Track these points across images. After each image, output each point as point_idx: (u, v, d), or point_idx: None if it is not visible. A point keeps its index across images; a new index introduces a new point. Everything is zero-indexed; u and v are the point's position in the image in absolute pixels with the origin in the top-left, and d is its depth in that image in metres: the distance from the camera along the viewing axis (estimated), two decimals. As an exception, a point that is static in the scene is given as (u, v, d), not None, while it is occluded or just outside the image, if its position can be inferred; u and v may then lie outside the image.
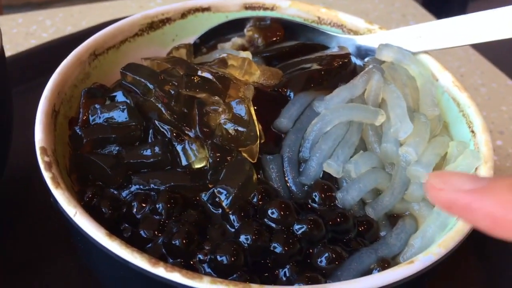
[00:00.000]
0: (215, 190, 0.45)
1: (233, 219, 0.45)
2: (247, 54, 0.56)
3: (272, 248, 0.43)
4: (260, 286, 0.37)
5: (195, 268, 0.43)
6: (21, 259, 0.58)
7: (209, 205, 0.47)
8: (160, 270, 0.37)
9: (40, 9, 1.00)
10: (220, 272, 0.42)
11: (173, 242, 0.43)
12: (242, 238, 0.43)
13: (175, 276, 0.37)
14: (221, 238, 0.44)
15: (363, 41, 0.61)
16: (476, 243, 0.57)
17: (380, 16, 1.05)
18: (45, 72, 0.78)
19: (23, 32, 0.94)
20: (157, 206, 0.45)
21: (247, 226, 0.44)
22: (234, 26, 0.66)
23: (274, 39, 0.65)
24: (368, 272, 0.43)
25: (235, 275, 0.42)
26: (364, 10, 1.07)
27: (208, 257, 0.43)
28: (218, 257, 0.42)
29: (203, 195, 0.47)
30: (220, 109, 0.49)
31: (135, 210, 0.46)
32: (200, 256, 0.43)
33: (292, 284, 0.42)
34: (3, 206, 0.62)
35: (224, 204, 0.45)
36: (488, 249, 0.61)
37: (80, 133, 0.49)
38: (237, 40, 0.65)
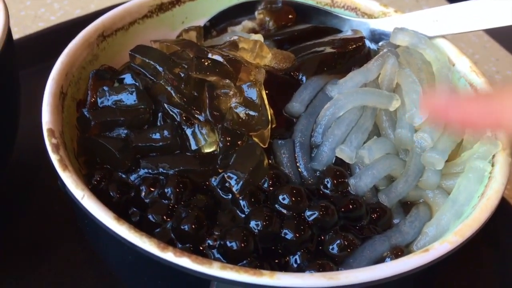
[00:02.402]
0: (225, 175, 0.45)
1: (243, 205, 0.44)
2: (258, 37, 0.55)
3: (283, 235, 0.42)
4: (271, 272, 0.36)
5: (204, 254, 0.42)
6: (28, 243, 0.58)
7: (218, 190, 0.46)
8: (169, 255, 0.37)
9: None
10: (230, 258, 0.41)
11: (182, 227, 0.42)
12: (253, 224, 0.43)
13: (184, 261, 0.36)
14: (231, 224, 0.44)
15: (377, 24, 0.60)
16: (486, 231, 0.56)
17: (392, 0, 1.03)
18: (53, 55, 0.77)
19: (31, 15, 0.93)
20: (166, 190, 0.44)
21: (258, 212, 0.43)
22: (244, 9, 0.64)
23: (286, 22, 0.64)
24: (380, 260, 0.42)
25: (245, 261, 0.41)
26: (377, -5, 1.06)
27: (218, 242, 0.42)
28: (227, 242, 0.41)
29: (213, 179, 0.46)
30: (231, 93, 0.48)
31: (143, 194, 0.45)
32: (209, 241, 0.42)
33: (303, 271, 0.41)
34: (11, 189, 0.61)
35: (234, 189, 0.44)
36: (500, 239, 0.59)
37: (88, 115, 0.48)
38: (247, 23, 0.64)
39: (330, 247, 0.42)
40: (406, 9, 1.00)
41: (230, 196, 0.45)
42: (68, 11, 0.95)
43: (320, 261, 0.41)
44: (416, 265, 0.37)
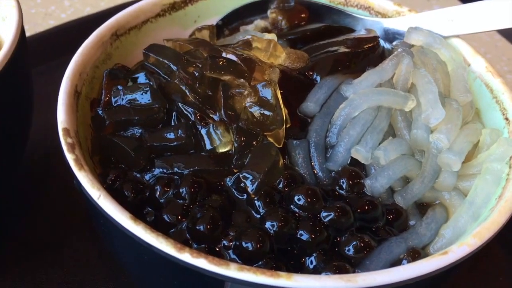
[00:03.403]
0: (241, 175, 0.44)
1: (259, 205, 0.44)
2: (272, 36, 0.55)
3: (298, 236, 0.42)
4: (288, 274, 0.36)
5: (219, 254, 0.42)
6: (39, 241, 0.58)
7: (233, 190, 0.46)
8: (186, 256, 0.37)
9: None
10: (245, 259, 0.41)
11: (197, 227, 0.42)
12: (268, 224, 0.42)
13: (201, 262, 0.36)
14: (246, 224, 0.43)
15: (391, 24, 0.60)
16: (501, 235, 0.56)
17: (403, 0, 1.03)
18: (64, 52, 0.77)
19: (41, 13, 0.93)
20: (181, 190, 0.44)
21: (273, 213, 0.43)
22: (257, 8, 0.64)
23: (298, 21, 0.63)
24: (397, 262, 0.42)
25: (260, 262, 0.41)
26: (387, -6, 1.05)
27: (233, 243, 0.42)
28: (243, 243, 0.41)
29: (228, 180, 0.45)
30: (246, 92, 0.48)
31: (158, 194, 0.45)
32: (224, 242, 0.42)
33: (319, 273, 0.41)
34: (23, 187, 0.61)
35: (249, 189, 0.44)
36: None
37: (103, 114, 0.48)
38: (260, 22, 0.64)
39: (346, 248, 0.42)
40: (417, 8, 0.99)
41: (245, 197, 0.45)
42: (78, 8, 0.94)
43: (336, 262, 0.41)
44: (435, 267, 0.37)
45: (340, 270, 0.40)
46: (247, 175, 0.44)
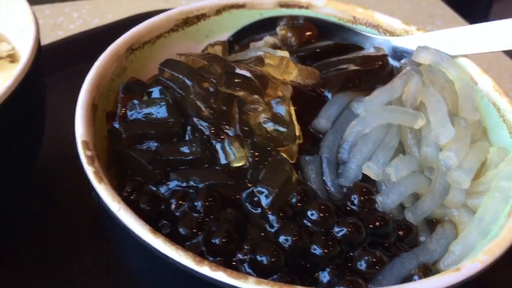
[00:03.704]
0: (255, 190, 0.45)
1: (272, 219, 0.45)
2: (284, 53, 0.56)
3: (312, 250, 0.43)
4: (305, 288, 0.37)
5: (235, 267, 0.42)
6: (48, 250, 0.58)
7: (247, 204, 0.46)
8: (205, 269, 0.37)
9: (67, 1, 1.00)
10: (261, 272, 0.42)
11: (213, 241, 0.43)
12: (282, 238, 0.43)
13: (220, 275, 0.37)
14: (261, 238, 0.44)
15: (399, 42, 0.61)
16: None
17: (406, 17, 1.04)
18: (72, 64, 0.79)
19: (50, 24, 0.94)
20: (196, 203, 0.45)
21: (287, 227, 0.44)
22: (267, 25, 0.65)
23: (308, 38, 0.64)
24: (409, 277, 0.43)
25: (275, 276, 0.42)
26: (390, 10, 1.06)
27: (248, 256, 0.42)
28: (258, 257, 0.42)
29: (243, 194, 0.46)
30: (260, 108, 0.49)
31: (173, 207, 0.46)
32: (240, 255, 0.43)
33: (332, 287, 0.42)
34: (35, 195, 0.62)
35: (263, 203, 0.45)
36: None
37: (119, 128, 0.49)
38: (269, 39, 0.65)
39: (359, 263, 0.43)
40: (420, 25, 1.01)
41: (259, 211, 0.46)
42: (86, 20, 0.96)
43: (349, 277, 0.42)
44: (448, 284, 0.38)
45: (353, 285, 0.41)
46: (262, 190, 0.45)
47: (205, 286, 0.38)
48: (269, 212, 0.45)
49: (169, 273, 0.41)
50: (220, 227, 0.43)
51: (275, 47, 0.64)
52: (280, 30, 0.65)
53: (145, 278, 0.48)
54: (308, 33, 0.64)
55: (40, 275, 0.56)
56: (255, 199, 0.45)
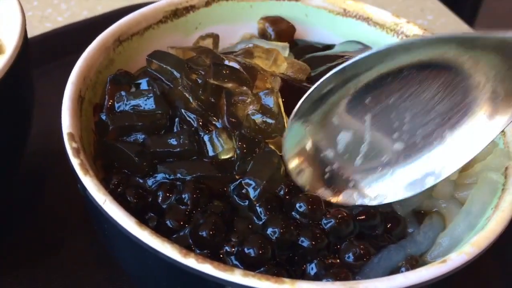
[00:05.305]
0: (243, 182, 0.45)
1: (260, 212, 0.45)
2: (283, 45, 0.56)
3: (299, 242, 0.43)
4: (292, 280, 0.37)
5: (222, 260, 0.42)
6: (38, 244, 0.58)
7: (235, 196, 0.46)
8: (191, 261, 0.37)
9: (56, -7, 0.99)
10: (248, 265, 0.41)
11: (200, 233, 0.42)
12: (270, 231, 0.43)
13: (206, 267, 0.37)
14: (248, 231, 0.44)
15: None
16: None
17: (397, 10, 1.04)
18: (61, 56, 0.78)
19: (38, 16, 0.93)
20: (183, 196, 0.45)
21: (275, 219, 0.44)
22: None
23: (286, 31, 0.64)
24: (396, 269, 0.43)
25: (262, 269, 0.41)
26: (381, 4, 1.06)
27: (236, 249, 0.42)
28: (245, 249, 0.41)
29: (231, 186, 0.46)
30: (248, 100, 0.49)
31: (160, 199, 0.45)
32: (227, 248, 0.43)
33: (320, 280, 0.42)
34: (23, 190, 0.61)
35: (251, 196, 0.44)
36: (507, 252, 0.60)
37: (106, 120, 0.48)
38: (246, 34, 0.64)
39: (346, 255, 0.43)
40: (411, 18, 1.01)
41: (246, 203, 0.46)
42: (75, 12, 0.95)
43: (337, 269, 0.42)
44: (435, 275, 0.38)
45: (340, 276, 0.41)
46: (250, 182, 0.45)
47: (191, 279, 0.38)
48: (257, 204, 0.45)
49: (155, 265, 0.41)
50: (207, 219, 0.43)
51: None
52: (258, 23, 0.64)
53: (132, 270, 0.48)
54: (287, 25, 0.64)
55: (31, 268, 0.55)
56: (243, 191, 0.45)
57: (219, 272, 0.37)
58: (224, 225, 0.43)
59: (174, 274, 0.40)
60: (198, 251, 0.43)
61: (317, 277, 0.42)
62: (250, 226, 0.44)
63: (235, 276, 0.36)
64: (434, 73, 0.43)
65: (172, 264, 0.38)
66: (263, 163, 0.46)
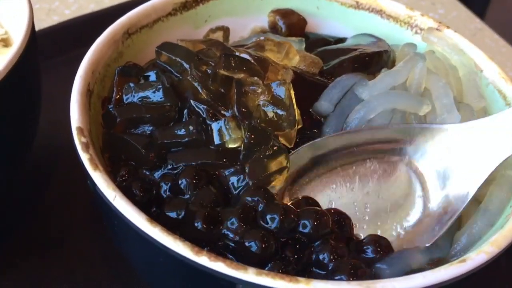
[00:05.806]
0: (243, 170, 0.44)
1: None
2: (300, 40, 0.55)
3: (301, 228, 0.41)
4: (307, 280, 0.36)
5: (221, 254, 0.40)
6: (43, 240, 0.57)
7: (231, 185, 0.44)
8: (203, 259, 0.36)
9: (63, -15, 0.97)
10: (252, 262, 0.39)
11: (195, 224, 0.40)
12: (268, 218, 0.41)
13: (219, 266, 0.36)
14: (245, 219, 0.41)
15: None
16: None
17: (408, 4, 1.02)
18: (69, 49, 0.77)
19: (45, 8, 0.92)
20: (180, 181, 0.43)
21: (273, 207, 0.41)
22: None
23: (297, 24, 0.62)
24: (412, 267, 0.42)
25: (269, 265, 0.40)
26: (392, -3, 1.05)
27: (234, 241, 0.40)
28: (246, 243, 0.39)
29: (228, 173, 0.44)
30: (260, 90, 0.47)
31: (162, 190, 0.44)
32: (232, 244, 0.41)
33: (331, 271, 0.40)
34: (30, 183, 0.61)
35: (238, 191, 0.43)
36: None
37: (113, 112, 0.47)
38: (256, 27, 0.63)
39: (365, 247, 0.42)
40: (423, 11, 1.00)
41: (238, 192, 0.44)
42: (82, 5, 0.94)
43: (352, 263, 0.40)
44: (454, 275, 0.37)
45: (355, 272, 0.39)
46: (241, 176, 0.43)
47: (202, 276, 0.37)
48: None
49: (166, 262, 0.40)
50: (200, 212, 0.41)
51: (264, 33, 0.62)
52: (269, 16, 0.63)
53: (141, 267, 0.47)
54: (298, 18, 0.62)
55: (37, 264, 0.55)
56: (240, 182, 0.44)
57: (232, 270, 0.36)
58: (218, 217, 0.41)
59: (185, 271, 0.39)
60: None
61: (329, 272, 0.40)
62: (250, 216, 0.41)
63: (249, 275, 0.35)
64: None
65: (183, 261, 0.37)
66: (269, 158, 0.44)
